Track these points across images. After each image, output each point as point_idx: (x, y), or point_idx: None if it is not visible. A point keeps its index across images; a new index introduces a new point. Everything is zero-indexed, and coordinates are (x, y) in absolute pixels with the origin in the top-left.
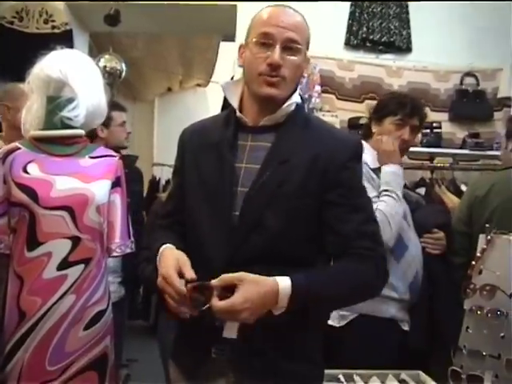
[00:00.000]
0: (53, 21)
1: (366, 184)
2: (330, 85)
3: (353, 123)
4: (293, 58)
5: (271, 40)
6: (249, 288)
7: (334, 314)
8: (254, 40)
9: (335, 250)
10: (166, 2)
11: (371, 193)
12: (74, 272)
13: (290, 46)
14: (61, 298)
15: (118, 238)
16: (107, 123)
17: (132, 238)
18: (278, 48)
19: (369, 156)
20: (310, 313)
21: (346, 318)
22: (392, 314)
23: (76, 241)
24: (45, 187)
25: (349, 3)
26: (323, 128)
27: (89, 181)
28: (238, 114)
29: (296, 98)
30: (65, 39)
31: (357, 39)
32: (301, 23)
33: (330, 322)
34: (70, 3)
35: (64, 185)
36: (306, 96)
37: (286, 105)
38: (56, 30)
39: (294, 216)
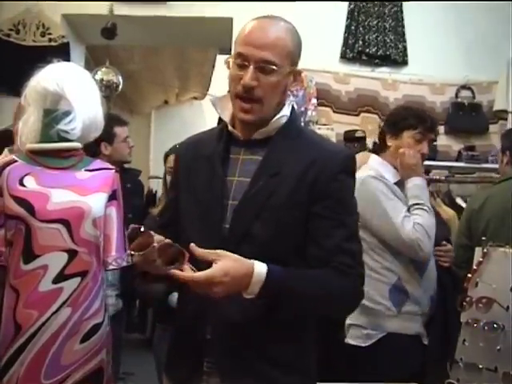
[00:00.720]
0: (50, 33)
1: (394, 200)
2: (326, 98)
3: (349, 136)
4: (269, 77)
5: (245, 61)
6: (228, 263)
7: (359, 333)
8: (232, 60)
9: (316, 263)
10: (162, 15)
11: (402, 208)
12: (70, 285)
13: (263, 67)
14: (57, 311)
15: (114, 251)
16: (111, 140)
17: (128, 251)
18: (251, 69)
19: (387, 171)
20: (280, 307)
21: (373, 337)
22: (417, 330)
23: (72, 254)
24: (41, 200)
25: (345, 16)
26: (315, 140)
27: (85, 194)
28: (229, 128)
29: (286, 111)
30: (61, 52)
31: (353, 52)
32: (280, 40)
33: (354, 342)
34: (68, 16)
35: (60, 198)
36: (303, 109)
37: (275, 119)
38: (53, 43)
39: (282, 227)
